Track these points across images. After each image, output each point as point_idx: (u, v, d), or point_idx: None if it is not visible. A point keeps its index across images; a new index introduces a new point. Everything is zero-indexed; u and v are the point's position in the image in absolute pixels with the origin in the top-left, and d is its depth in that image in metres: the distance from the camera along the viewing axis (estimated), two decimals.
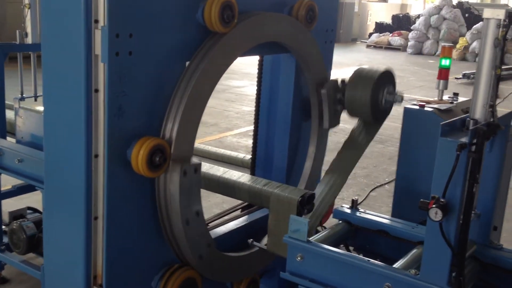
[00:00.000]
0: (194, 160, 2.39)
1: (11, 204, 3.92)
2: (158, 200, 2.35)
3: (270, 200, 2.76)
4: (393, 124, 9.22)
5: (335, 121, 3.08)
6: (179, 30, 2.29)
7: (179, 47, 2.31)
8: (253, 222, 3.08)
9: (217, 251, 2.62)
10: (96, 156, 2.20)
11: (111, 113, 2.12)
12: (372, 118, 2.94)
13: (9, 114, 3.58)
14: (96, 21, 2.07)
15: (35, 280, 3.49)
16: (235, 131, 8.30)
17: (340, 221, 2.83)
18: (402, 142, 3.18)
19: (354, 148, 3.05)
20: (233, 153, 6.70)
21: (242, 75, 12.97)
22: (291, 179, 3.25)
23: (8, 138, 3.56)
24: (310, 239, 2.41)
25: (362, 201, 5.62)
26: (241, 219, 3.09)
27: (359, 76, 2.92)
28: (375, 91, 2.87)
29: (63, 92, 2.22)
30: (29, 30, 3.43)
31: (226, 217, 3.15)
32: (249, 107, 9.78)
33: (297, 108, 3.18)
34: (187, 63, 2.35)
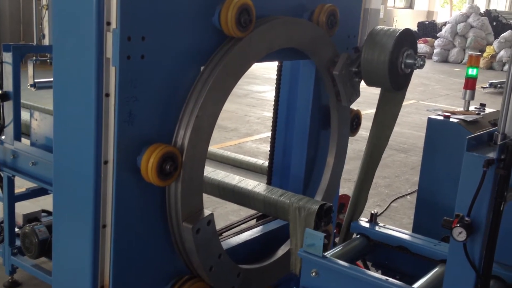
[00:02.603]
0: (206, 212, 2.33)
1: (27, 207, 3.89)
2: (168, 209, 2.27)
3: (289, 212, 2.66)
4: (416, 133, 9.05)
5: (355, 95, 2.92)
6: (194, 34, 2.22)
7: (193, 52, 2.23)
8: (268, 233, 2.98)
9: (229, 262, 2.53)
10: (106, 162, 2.13)
11: (121, 118, 2.05)
12: (391, 85, 2.74)
13: (25, 116, 3.54)
14: (108, 23, 2.00)
15: (47, 285, 3.44)
16: (255, 137, 8.22)
17: (358, 235, 2.72)
18: (424, 153, 3.06)
19: (382, 123, 2.87)
20: (252, 159, 6.63)
21: (264, 80, 12.89)
22: (308, 190, 3.15)
23: (24, 140, 3.53)
24: (326, 254, 2.31)
25: (383, 212, 5.48)
26: (255, 230, 3.00)
27: (374, 39, 2.70)
28: (393, 54, 2.66)
29: (74, 95, 2.15)
30: (46, 31, 3.40)
31: (240, 227, 3.06)
32: (270, 113, 9.60)
33: (316, 116, 3.07)
34: (202, 68, 2.27)
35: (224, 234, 2.95)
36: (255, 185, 2.96)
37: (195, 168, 2.24)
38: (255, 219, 3.27)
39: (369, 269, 2.75)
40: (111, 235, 2.18)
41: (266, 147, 7.68)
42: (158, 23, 2.09)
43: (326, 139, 3.13)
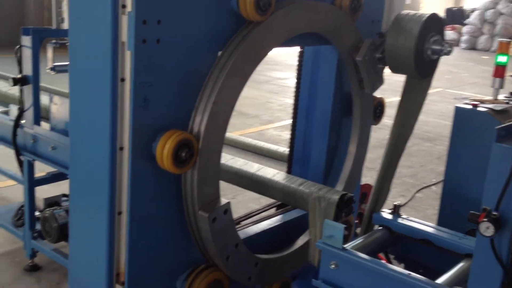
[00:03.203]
0: (222, 200, 2.27)
1: (48, 191, 3.90)
2: (184, 197, 2.22)
3: (309, 202, 2.59)
4: (442, 122, 8.85)
5: (378, 82, 2.83)
6: (211, 18, 2.15)
7: (211, 36, 2.16)
8: (288, 223, 2.92)
9: (246, 252, 2.48)
10: (121, 148, 2.09)
11: (136, 104, 2.00)
12: (416, 72, 2.63)
13: (44, 100, 3.53)
14: (124, 6, 1.94)
15: (66, 269, 3.45)
16: (277, 124, 8.14)
17: (380, 227, 2.64)
18: (451, 143, 2.95)
19: (406, 112, 2.76)
20: (273, 147, 6.59)
21: (286, 67, 12.76)
22: (329, 179, 3.07)
23: (44, 124, 3.52)
24: (346, 246, 2.23)
25: (407, 203, 5.37)
26: (275, 219, 2.94)
27: (400, 23, 2.61)
28: (420, 40, 2.55)
29: (89, 80, 2.11)
30: (66, 15, 3.36)
31: (259, 216, 3.01)
32: (292, 100, 9.55)
33: (338, 104, 2.99)
34: (219, 53, 2.21)
35: (243, 223, 2.90)
36: (274, 173, 2.89)
37: (211, 155, 2.19)
38: (275, 208, 3.22)
39: (391, 262, 2.68)
40: (127, 222, 2.15)
41: (288, 135, 7.57)
42: (175, 6, 2.02)
43: (348, 128, 3.04)
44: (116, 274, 2.23)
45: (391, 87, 6.21)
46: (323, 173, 3.06)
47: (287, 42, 2.40)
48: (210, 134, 2.15)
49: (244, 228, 2.79)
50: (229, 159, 3.02)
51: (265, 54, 2.29)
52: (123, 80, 2.02)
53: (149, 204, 2.18)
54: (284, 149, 6.46)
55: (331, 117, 2.97)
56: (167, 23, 2.00)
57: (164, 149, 2.04)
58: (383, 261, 2.38)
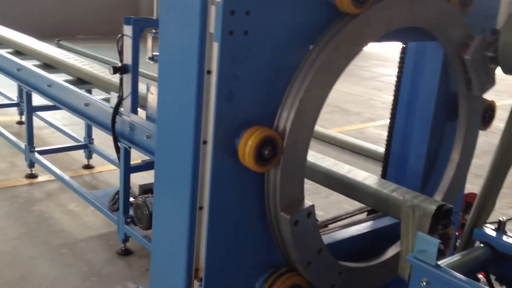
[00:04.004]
0: (306, 202, 2.14)
1: (143, 178, 4.01)
2: (266, 196, 2.13)
3: (402, 210, 2.40)
4: None
5: (489, 83, 2.56)
6: (303, 9, 2.02)
7: (302, 29, 2.04)
8: (378, 230, 2.74)
9: (330, 259, 2.34)
10: (205, 142, 2.04)
11: (220, 97, 1.94)
12: None
13: (143, 88, 3.61)
14: None
15: None
16: (378, 122, 7.84)
17: (482, 244, 2.38)
18: None
19: None
20: (372, 146, 6.33)
21: (394, 62, 12.25)
22: (426, 187, 2.84)
23: (142, 113, 3.60)
24: (440, 263, 2.02)
25: None
26: (364, 225, 2.77)
27: None
28: None
29: (176, 71, 2.08)
30: None
31: (347, 220, 2.85)
32: None
33: (442, 105, 2.74)
34: (311, 46, 2.08)
35: (330, 226, 2.76)
36: (366, 176, 2.72)
37: (296, 155, 2.07)
38: (365, 213, 3.04)
39: (491, 283, 2.42)
40: (207, 217, 2.10)
41: None
42: None
43: (452, 132, 2.79)
44: (195, 270, 2.19)
45: (509, 88, 5.71)
46: (421, 180, 2.83)
47: (386, 37, 2.22)
48: (296, 132, 2.03)
49: (330, 232, 2.65)
50: (319, 158, 2.89)
51: (360, 49, 2.12)
52: (209, 72, 1.97)
53: (229, 201, 2.11)
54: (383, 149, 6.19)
55: (433, 119, 2.73)
56: (256, 14, 1.91)
57: (247, 145, 1.96)
58: (482, 281, 2.14)
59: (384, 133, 7.22)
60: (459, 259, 2.25)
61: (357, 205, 4.90)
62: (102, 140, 5.35)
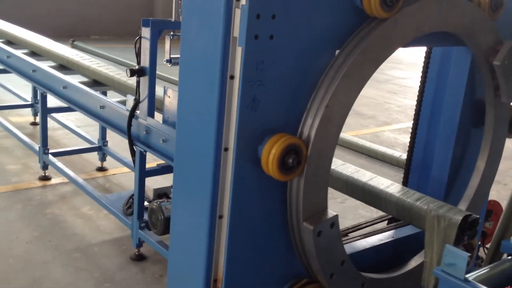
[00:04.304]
0: (330, 212, 2.08)
1: (158, 181, 3.96)
2: (288, 205, 2.07)
3: (426, 220, 2.33)
4: None
5: None
6: (330, 13, 1.96)
7: (328, 33, 1.98)
8: (400, 240, 2.67)
9: (353, 271, 2.27)
10: (226, 149, 1.98)
11: (243, 104, 1.87)
12: None
13: (159, 91, 3.56)
14: None
15: None
16: (394, 126, 7.74)
17: (510, 257, 2.30)
18: None
19: None
20: (388, 151, 6.24)
21: (409, 65, 12.16)
22: (450, 195, 2.76)
23: (158, 116, 3.55)
24: (468, 276, 1.95)
25: None
26: (386, 234, 2.70)
27: None
28: None
29: (198, 75, 2.01)
30: None
31: (368, 229, 2.78)
32: (413, 101, 9.03)
33: (467, 112, 2.67)
34: (336, 52, 2.01)
35: (350, 235, 2.69)
36: (388, 184, 2.64)
37: (321, 163, 2.00)
38: (386, 221, 2.97)
39: None
40: (227, 226, 2.04)
41: (405, 138, 7.19)
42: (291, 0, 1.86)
43: (477, 139, 2.71)
44: (214, 280, 2.13)
45: None
46: (445, 188, 2.75)
47: (414, 42, 2.15)
48: (321, 140, 1.97)
49: (351, 242, 2.58)
50: (339, 164, 2.82)
51: (388, 55, 2.05)
52: (232, 77, 1.90)
53: (251, 210, 2.05)
54: (400, 154, 6.10)
55: (459, 126, 2.66)
56: (282, 18, 1.84)
57: (270, 153, 1.90)
58: None
59: (400, 137, 7.17)
60: (488, 271, 2.17)
61: (373, 211, 4.82)
62: (116, 142, 5.31)
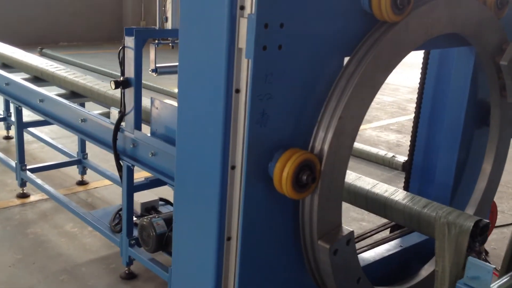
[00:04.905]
0: (345, 229, 1.98)
1: (144, 195, 3.80)
2: (301, 224, 1.95)
3: (436, 228, 2.24)
4: None
5: None
6: (338, 19, 1.85)
7: (336, 40, 1.87)
8: (408, 249, 2.58)
9: (369, 286, 2.17)
10: (233, 167, 1.85)
11: (253, 119, 1.75)
12: None
13: (145, 103, 3.40)
14: (242, 8, 1.69)
15: (162, 279, 3.31)
16: (375, 124, 7.70)
17: None
18: None
19: None
20: (373, 149, 6.18)
21: None
22: (454, 200, 2.69)
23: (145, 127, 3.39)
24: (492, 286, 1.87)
25: None
26: (393, 244, 2.62)
27: None
28: None
29: (200, 89, 1.88)
30: (169, 14, 3.19)
31: (371, 238, 2.69)
32: (391, 97, 9.07)
33: (471, 113, 2.60)
34: (345, 59, 1.91)
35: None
36: (392, 191, 2.56)
37: (335, 178, 1.90)
38: (388, 229, 2.88)
39: None
40: (237, 249, 1.91)
41: (387, 136, 7.16)
42: (300, 6, 1.74)
43: (480, 141, 2.65)
44: None
45: None
46: (451, 192, 2.68)
47: (423, 45, 2.06)
48: (335, 154, 1.86)
49: (359, 254, 2.48)
50: None
51: (399, 60, 1.96)
52: (238, 91, 1.78)
53: (262, 230, 1.93)
54: (385, 152, 6.05)
55: (464, 128, 2.58)
56: (290, 26, 1.73)
57: (284, 171, 1.77)
58: None
59: (382, 135, 7.12)
60: (507, 281, 2.10)
61: (364, 212, 4.73)
62: (95, 153, 5.12)
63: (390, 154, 5.97)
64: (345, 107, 1.83)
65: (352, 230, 1.98)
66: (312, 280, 2.09)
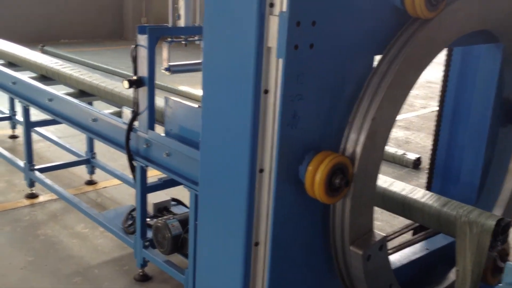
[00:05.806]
0: (377, 234, 1.92)
1: (156, 195, 3.73)
2: (332, 229, 1.89)
3: (456, 227, 2.18)
4: None
5: None
6: (370, 16, 1.78)
7: (368, 38, 1.80)
8: (434, 252, 2.51)
9: None
10: (261, 171, 1.78)
11: (284, 121, 1.68)
12: None
13: (159, 102, 3.34)
14: (272, 5, 1.63)
15: (176, 281, 3.26)
16: None
17: None
18: None
19: None
20: (391, 149, 6.10)
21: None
22: (480, 200, 2.62)
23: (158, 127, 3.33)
24: None
25: None
26: (418, 246, 2.55)
27: None
28: None
29: (226, 90, 1.81)
30: (182, 11, 3.12)
31: (395, 242, 2.62)
32: None
33: (497, 111, 2.53)
34: (377, 57, 1.84)
35: None
36: (410, 190, 2.48)
37: (367, 181, 1.83)
38: (411, 231, 2.81)
39: None
40: (266, 255, 1.85)
41: (395, 133, 7.06)
42: (331, 3, 1.67)
43: (506, 139, 2.58)
44: None
45: None
46: (477, 193, 2.61)
47: (454, 43, 1.99)
48: (368, 156, 1.79)
49: None
50: None
51: (432, 58, 1.89)
52: (266, 92, 1.71)
53: (291, 235, 1.87)
54: (395, 150, 5.98)
55: (490, 126, 2.51)
56: (322, 24, 1.66)
57: (316, 175, 1.71)
58: None
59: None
60: None
61: (377, 212, 4.69)
62: (102, 152, 5.05)
63: (400, 152, 5.89)
64: (378, 108, 1.76)
65: (384, 235, 1.92)
66: (342, 286, 2.02)
